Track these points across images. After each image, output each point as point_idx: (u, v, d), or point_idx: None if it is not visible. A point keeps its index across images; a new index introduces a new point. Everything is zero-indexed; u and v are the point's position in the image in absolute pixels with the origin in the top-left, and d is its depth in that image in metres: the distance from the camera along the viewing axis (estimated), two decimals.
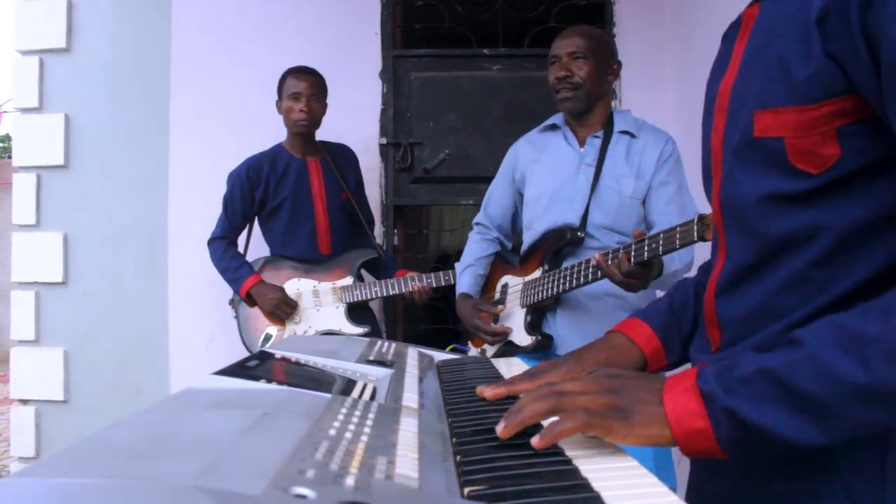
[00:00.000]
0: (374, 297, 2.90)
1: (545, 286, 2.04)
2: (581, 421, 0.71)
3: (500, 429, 0.74)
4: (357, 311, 2.93)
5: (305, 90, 2.82)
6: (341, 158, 3.04)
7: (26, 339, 3.47)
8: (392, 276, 2.93)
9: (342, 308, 2.89)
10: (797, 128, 0.76)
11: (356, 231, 3.08)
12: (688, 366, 0.98)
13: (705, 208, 1.47)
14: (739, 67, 0.86)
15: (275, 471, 0.51)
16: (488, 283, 2.39)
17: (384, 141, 3.53)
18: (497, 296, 2.31)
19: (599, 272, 1.81)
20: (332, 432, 0.65)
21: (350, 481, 0.52)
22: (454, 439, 0.77)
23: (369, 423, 0.72)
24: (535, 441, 0.70)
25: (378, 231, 3.41)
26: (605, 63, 2.13)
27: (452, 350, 2.34)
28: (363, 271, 3.06)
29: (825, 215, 0.77)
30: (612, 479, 0.64)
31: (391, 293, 2.88)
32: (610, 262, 1.75)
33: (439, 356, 1.42)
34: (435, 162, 3.53)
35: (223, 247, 2.89)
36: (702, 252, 1.95)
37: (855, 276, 0.76)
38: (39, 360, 3.46)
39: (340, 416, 0.72)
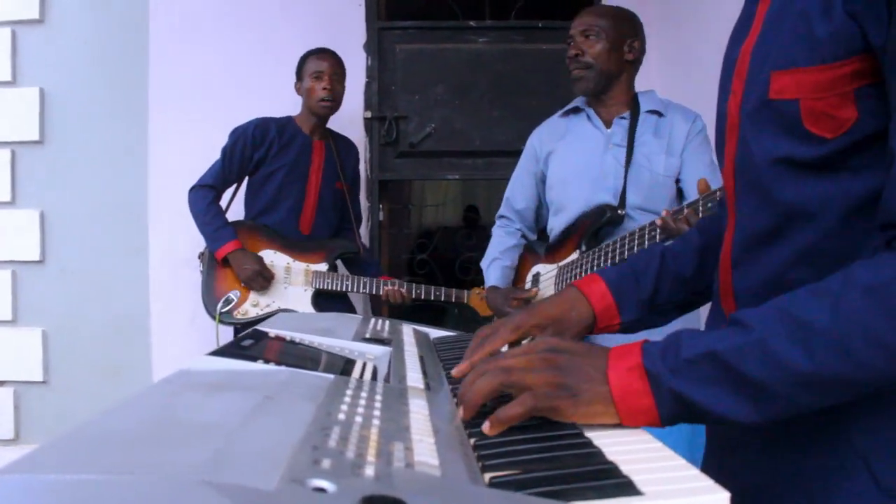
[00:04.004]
0: (344, 289, 2.87)
1: (585, 267, 1.98)
2: (529, 405, 0.71)
3: (459, 412, 0.74)
4: (324, 300, 2.88)
5: (328, 69, 2.80)
6: (344, 150, 3.02)
7: (4, 319, 3.39)
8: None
9: (310, 292, 2.86)
10: (815, 88, 0.73)
11: (341, 223, 3.04)
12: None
13: None
14: (761, 29, 0.82)
15: (288, 461, 0.47)
16: (517, 278, 2.33)
17: (369, 115, 3.46)
18: (528, 287, 2.26)
19: (657, 236, 1.74)
20: (342, 416, 0.61)
21: (370, 471, 0.48)
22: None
23: (378, 405, 0.68)
24: (485, 428, 0.70)
25: (363, 206, 3.35)
26: (621, 41, 2.08)
27: None
28: (341, 265, 3.01)
29: (839, 183, 0.74)
30: (638, 461, 0.61)
31: (362, 292, 2.87)
32: (677, 221, 1.69)
33: (434, 333, 1.39)
34: (421, 136, 3.48)
35: (209, 199, 2.81)
36: None
37: (871, 248, 0.73)
38: (17, 340, 3.39)
39: (347, 399, 0.68)
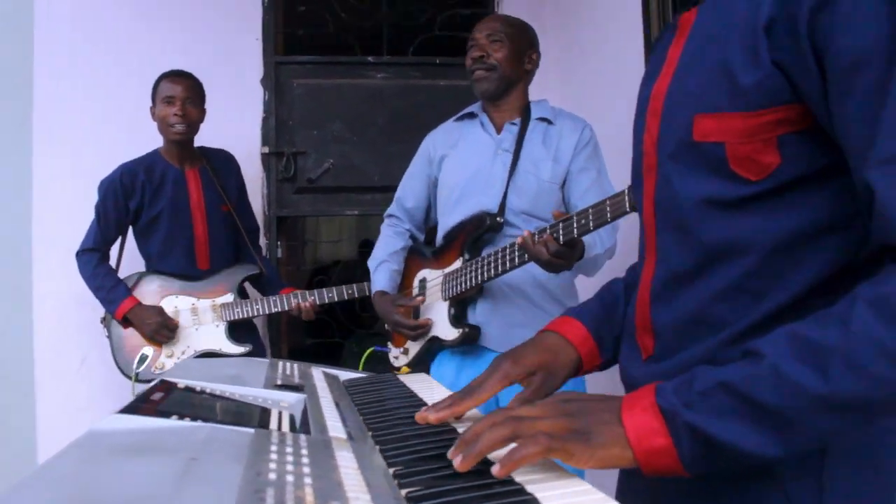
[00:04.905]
0: (255, 314, 2.80)
1: (467, 276, 2.00)
2: (542, 446, 0.68)
3: (457, 462, 0.69)
4: (238, 330, 2.81)
5: (180, 94, 2.68)
6: (221, 166, 2.90)
7: None
8: (276, 293, 2.83)
9: (223, 327, 2.77)
10: (739, 134, 0.75)
11: (238, 245, 2.95)
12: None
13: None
14: (676, 70, 0.85)
15: None
16: (404, 280, 2.33)
17: (266, 150, 3.40)
18: (415, 292, 2.26)
19: (526, 255, 1.77)
20: (273, 476, 0.59)
21: None
22: (393, 469, 0.72)
23: (305, 461, 0.66)
24: (495, 470, 0.67)
25: (262, 242, 3.28)
26: (523, 50, 2.14)
27: (372, 353, 2.27)
28: (248, 286, 2.93)
29: (762, 224, 0.77)
30: None
31: (274, 311, 2.79)
32: (536, 242, 1.71)
33: (344, 375, 1.37)
34: (319, 172, 3.44)
35: (95, 261, 2.70)
36: (624, 241, 1.97)
37: (791, 287, 0.76)
38: None
39: (273, 456, 0.66)
